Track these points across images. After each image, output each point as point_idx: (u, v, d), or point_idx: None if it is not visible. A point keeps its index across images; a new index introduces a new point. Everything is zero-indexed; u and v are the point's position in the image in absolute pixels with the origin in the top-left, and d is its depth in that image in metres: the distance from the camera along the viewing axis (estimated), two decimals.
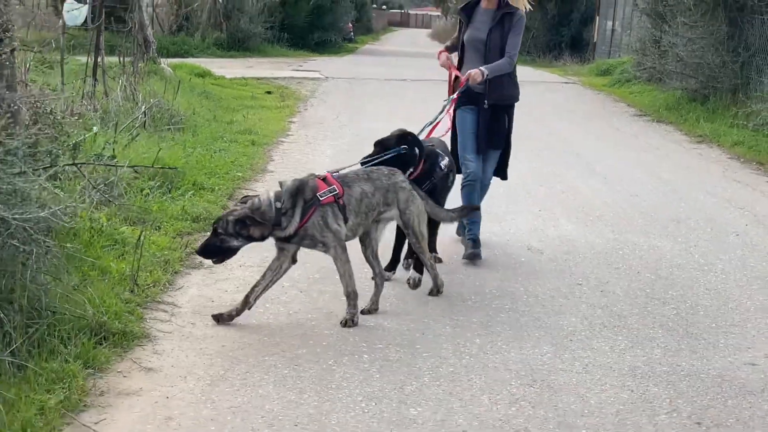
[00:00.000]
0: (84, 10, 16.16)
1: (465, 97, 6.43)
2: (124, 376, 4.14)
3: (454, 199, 6.18)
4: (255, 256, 5.75)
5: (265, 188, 6.46)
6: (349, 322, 4.96)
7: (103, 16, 10.02)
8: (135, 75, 11.31)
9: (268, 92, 16.25)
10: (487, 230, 6.82)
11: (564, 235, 7.18)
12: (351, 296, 5.00)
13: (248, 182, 8.44)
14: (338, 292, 5.13)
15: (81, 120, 6.74)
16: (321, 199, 4.87)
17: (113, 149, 5.43)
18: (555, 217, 7.75)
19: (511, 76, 6.48)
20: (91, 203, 5.07)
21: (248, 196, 5.07)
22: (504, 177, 6.83)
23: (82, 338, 4.25)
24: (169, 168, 5.95)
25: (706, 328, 5.23)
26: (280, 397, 4.02)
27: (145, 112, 9.16)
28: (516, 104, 6.64)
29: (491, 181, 6.75)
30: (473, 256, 6.34)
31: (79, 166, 5.00)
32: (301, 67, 23.09)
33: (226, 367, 4.32)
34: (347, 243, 5.02)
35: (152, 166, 6.08)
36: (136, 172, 6.22)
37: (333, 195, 4.91)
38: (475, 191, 6.42)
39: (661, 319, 5.34)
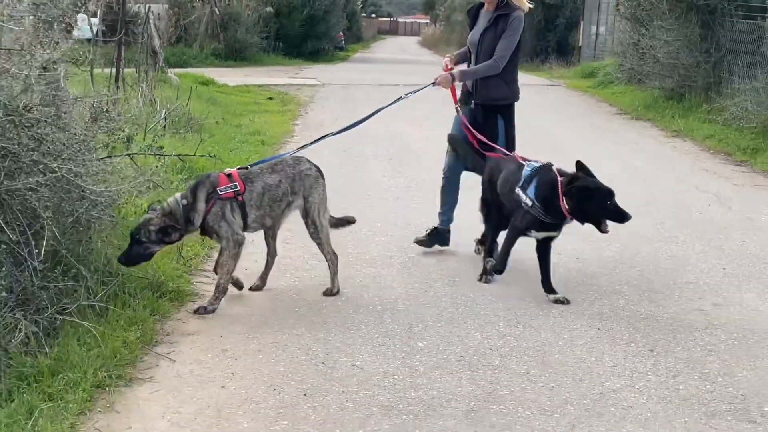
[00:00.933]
0: (92, 25, 17.03)
1: (463, 95, 6.65)
2: (183, 322, 5.08)
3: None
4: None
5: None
6: (201, 310, 5.22)
7: (123, 31, 10.93)
8: (149, 83, 12.22)
9: (270, 98, 17.19)
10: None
11: None
12: (220, 288, 5.28)
13: None
14: (351, 262, 6.07)
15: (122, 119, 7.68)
16: (221, 193, 5.20)
17: (158, 143, 6.34)
18: None
19: (501, 77, 6.43)
20: (144, 186, 5.97)
21: (155, 202, 5.42)
22: None
23: (147, 293, 5.19)
24: (209, 156, 6.86)
25: (665, 284, 6.17)
26: (312, 335, 4.96)
27: (165, 116, 10.06)
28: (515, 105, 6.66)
29: None
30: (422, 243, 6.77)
31: (132, 156, 5.92)
32: (297, 75, 24.04)
33: (266, 315, 5.26)
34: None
35: (194, 155, 7.02)
36: (181, 159, 7.16)
37: (233, 191, 5.23)
38: (450, 185, 6.76)
39: (627, 278, 6.28)
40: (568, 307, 5.62)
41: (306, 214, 5.54)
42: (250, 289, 5.65)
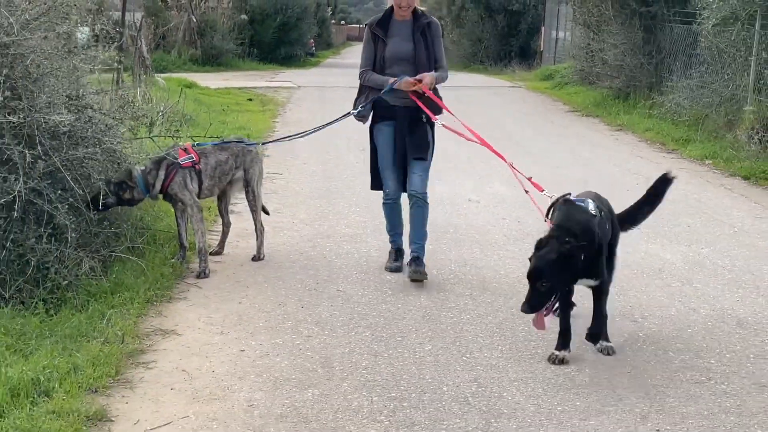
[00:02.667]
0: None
1: (381, 111, 6.32)
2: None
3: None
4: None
5: None
6: (201, 274, 6.13)
7: (121, 38, 12.25)
8: (144, 85, 13.55)
9: (250, 99, 18.53)
10: (438, 190, 9.14)
11: (496, 192, 9.53)
12: (202, 252, 6.21)
13: None
14: (359, 235, 7.46)
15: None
16: (181, 163, 6.16)
17: (174, 127, 7.68)
18: (491, 182, 10.10)
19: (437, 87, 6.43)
20: None
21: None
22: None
23: (172, 242, 6.55)
24: (215, 137, 8.23)
25: None
26: (305, 272, 6.36)
27: (162, 112, 11.39)
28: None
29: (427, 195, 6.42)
30: (394, 268, 6.51)
31: (154, 138, 7.28)
32: (273, 79, 25.38)
33: (267, 260, 6.64)
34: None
35: (205, 136, 8.38)
36: (192, 139, 8.52)
37: (191, 161, 6.17)
38: (394, 210, 6.50)
39: None
40: (517, 250, 7.04)
41: (247, 185, 6.57)
42: (211, 254, 6.54)
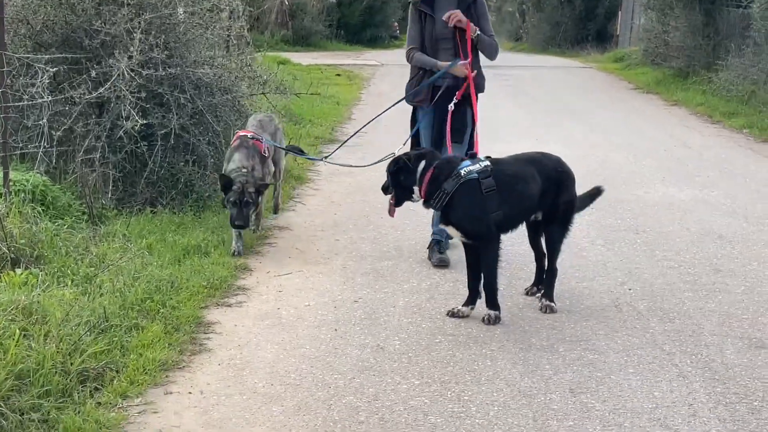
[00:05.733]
0: None
1: (425, 91, 6.26)
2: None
3: None
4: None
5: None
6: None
7: None
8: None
9: (338, 75, 20.40)
10: (497, 150, 10.80)
11: (550, 150, 11.12)
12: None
13: (341, 124, 12.61)
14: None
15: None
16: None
17: (282, 86, 9.52)
18: (546, 142, 11.69)
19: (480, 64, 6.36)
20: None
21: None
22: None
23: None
24: (317, 93, 10.10)
25: (623, 182, 9.20)
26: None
27: (267, 78, 13.28)
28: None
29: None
30: (440, 261, 6.33)
31: (266, 94, 9.13)
32: (359, 57, 27.27)
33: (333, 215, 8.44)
34: None
35: (307, 92, 10.27)
36: (297, 96, 10.42)
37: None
38: None
39: (597, 181, 9.31)
40: None
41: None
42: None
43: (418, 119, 6.41)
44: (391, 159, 5.47)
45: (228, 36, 8.27)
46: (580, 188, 5.79)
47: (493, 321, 5.21)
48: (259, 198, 6.53)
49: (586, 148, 11.30)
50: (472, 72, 6.14)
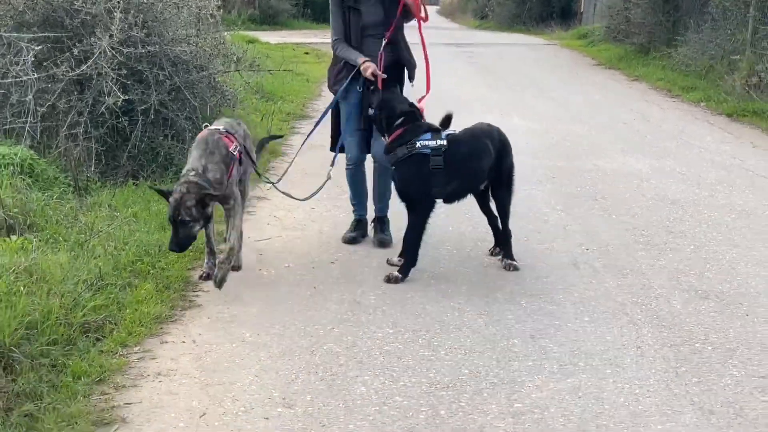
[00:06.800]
0: None
1: (349, 70, 6.01)
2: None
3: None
4: None
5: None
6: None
7: None
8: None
9: (306, 53, 20.66)
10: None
11: (513, 124, 11.56)
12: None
13: (311, 100, 12.94)
14: None
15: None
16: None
17: (254, 62, 9.84)
18: (510, 117, 12.12)
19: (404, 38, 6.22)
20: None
21: None
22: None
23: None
24: (289, 70, 10.40)
25: (584, 153, 9.63)
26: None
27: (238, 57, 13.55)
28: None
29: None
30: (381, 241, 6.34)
31: (240, 71, 9.45)
32: (326, 36, 27.19)
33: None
34: None
35: (280, 69, 10.55)
36: (270, 73, 10.73)
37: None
38: (356, 176, 6.44)
39: (559, 153, 9.76)
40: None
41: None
42: None
43: (339, 98, 6.15)
44: (390, 90, 5.83)
45: (198, 14, 8.51)
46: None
47: (393, 281, 5.53)
48: (206, 211, 5.09)
49: (549, 122, 11.73)
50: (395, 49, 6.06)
